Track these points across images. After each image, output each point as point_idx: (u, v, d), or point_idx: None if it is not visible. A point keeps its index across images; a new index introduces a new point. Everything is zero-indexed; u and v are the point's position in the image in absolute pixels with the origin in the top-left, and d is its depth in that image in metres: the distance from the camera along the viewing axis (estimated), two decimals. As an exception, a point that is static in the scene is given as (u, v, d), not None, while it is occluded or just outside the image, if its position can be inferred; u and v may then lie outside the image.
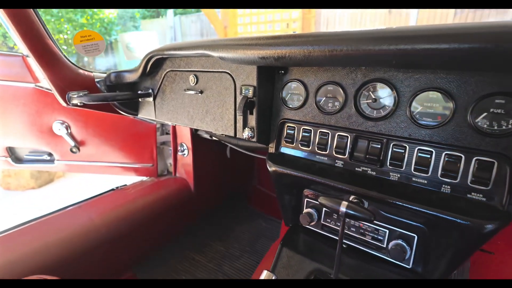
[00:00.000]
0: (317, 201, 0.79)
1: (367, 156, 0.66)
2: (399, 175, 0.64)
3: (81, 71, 1.07)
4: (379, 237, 0.71)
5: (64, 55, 1.02)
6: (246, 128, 0.81)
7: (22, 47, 1.13)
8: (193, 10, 10.46)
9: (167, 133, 1.59)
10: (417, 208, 0.57)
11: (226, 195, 1.91)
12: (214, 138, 1.38)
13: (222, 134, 0.91)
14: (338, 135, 0.71)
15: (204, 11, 5.19)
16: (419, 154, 0.60)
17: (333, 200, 0.58)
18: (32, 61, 1.15)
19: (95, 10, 8.78)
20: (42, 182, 2.94)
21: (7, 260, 0.99)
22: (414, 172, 0.61)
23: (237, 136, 0.85)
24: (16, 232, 1.12)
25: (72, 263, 1.09)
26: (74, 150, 1.39)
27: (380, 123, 0.65)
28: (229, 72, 0.82)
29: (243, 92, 0.79)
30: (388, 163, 0.65)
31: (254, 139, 0.81)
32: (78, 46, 0.97)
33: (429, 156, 0.59)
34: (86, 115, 1.34)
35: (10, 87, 1.23)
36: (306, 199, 0.81)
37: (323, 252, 0.79)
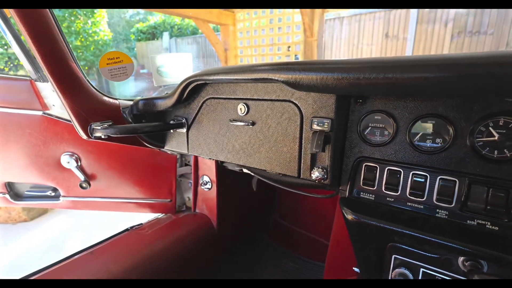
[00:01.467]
0: (412, 258, 0.65)
1: (488, 208, 0.53)
2: None
3: (105, 98, 0.93)
4: None
5: (88, 80, 0.87)
6: (316, 168, 0.68)
7: (31, 70, 0.99)
8: (189, 32, 10.61)
9: (186, 164, 1.44)
10: None
11: (248, 230, 1.74)
12: (245, 171, 1.24)
13: (279, 174, 0.77)
14: (441, 179, 0.58)
15: (205, 33, 5.18)
16: None
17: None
18: (42, 86, 1.01)
19: (90, 32, 8.73)
20: (34, 214, 2.67)
21: None
22: None
23: (301, 177, 0.71)
24: None
25: None
26: (84, 185, 1.22)
27: (506, 166, 0.52)
28: (294, 102, 0.70)
29: (315, 125, 0.66)
30: None
31: (327, 181, 0.67)
32: (104, 69, 0.84)
33: None
34: (99, 146, 1.18)
35: (15, 115, 1.07)
36: (394, 255, 0.67)
37: None
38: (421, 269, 0.63)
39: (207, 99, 0.88)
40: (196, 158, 1.38)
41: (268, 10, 4.95)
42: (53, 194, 1.28)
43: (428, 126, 0.59)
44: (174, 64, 0.96)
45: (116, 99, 0.96)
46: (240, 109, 0.79)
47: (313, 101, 0.67)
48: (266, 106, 0.75)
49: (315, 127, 0.66)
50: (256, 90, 0.76)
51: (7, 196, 1.24)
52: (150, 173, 1.31)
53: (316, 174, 0.68)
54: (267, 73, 0.66)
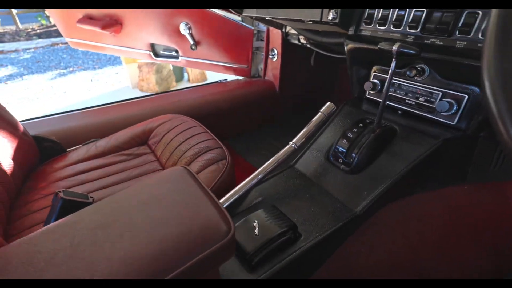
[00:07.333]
0: (383, 74, 0.97)
1: (437, 27, 0.76)
2: (465, 43, 0.72)
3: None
4: (431, 99, 0.86)
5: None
6: (331, 11, 0.99)
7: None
8: None
9: (261, 40, 1.86)
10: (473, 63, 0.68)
11: (306, 107, 2.15)
12: (301, 40, 1.58)
13: (310, 21, 1.10)
14: (415, 11, 0.82)
15: None
16: None
17: (387, 43, 0.75)
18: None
19: None
20: (163, 88, 3.75)
21: (137, 112, 1.51)
22: (481, 37, 0.67)
23: (322, 20, 1.03)
24: (144, 100, 1.64)
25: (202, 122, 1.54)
26: (193, 47, 1.81)
27: None
28: None
29: None
30: (457, 32, 0.73)
31: (337, 20, 0.98)
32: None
33: None
34: (203, 18, 1.69)
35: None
36: (374, 73, 0.99)
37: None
38: (386, 81, 0.95)
39: None
40: (268, 33, 1.78)
41: None
42: (175, 54, 1.93)
43: None
44: None
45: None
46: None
47: None
48: None
49: None
50: None
51: (151, 53, 1.95)
52: (234, 43, 1.80)
53: (331, 15, 0.99)
54: None
